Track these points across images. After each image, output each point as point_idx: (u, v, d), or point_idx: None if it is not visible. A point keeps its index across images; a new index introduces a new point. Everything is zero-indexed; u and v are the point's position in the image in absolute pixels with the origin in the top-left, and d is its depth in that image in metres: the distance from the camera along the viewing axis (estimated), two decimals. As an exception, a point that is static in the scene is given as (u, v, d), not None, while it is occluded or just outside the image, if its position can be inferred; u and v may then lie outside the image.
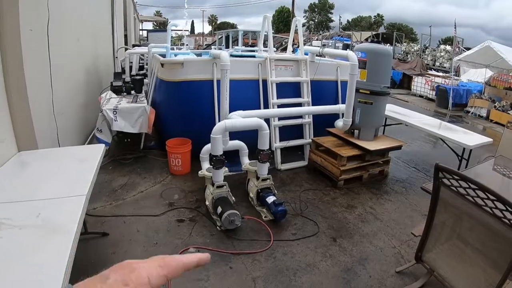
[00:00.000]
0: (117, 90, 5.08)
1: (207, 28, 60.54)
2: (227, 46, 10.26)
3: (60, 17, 4.22)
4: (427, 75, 13.35)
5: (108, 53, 8.18)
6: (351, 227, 3.17)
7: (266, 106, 4.40)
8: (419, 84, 12.68)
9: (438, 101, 10.87)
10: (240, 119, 3.26)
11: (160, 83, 4.48)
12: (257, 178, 3.34)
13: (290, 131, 4.59)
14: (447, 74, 12.83)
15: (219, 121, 3.57)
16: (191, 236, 2.92)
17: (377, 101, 4.19)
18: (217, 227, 2.99)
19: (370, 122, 4.30)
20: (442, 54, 17.14)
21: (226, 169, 3.42)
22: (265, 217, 3.18)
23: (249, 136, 3.46)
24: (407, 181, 4.40)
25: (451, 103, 9.75)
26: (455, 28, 9.87)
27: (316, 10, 61.22)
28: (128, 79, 5.39)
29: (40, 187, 2.09)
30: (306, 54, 4.88)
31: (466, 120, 9.36)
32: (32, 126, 2.98)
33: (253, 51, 6.29)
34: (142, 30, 26.61)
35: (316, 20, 61.12)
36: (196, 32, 58.47)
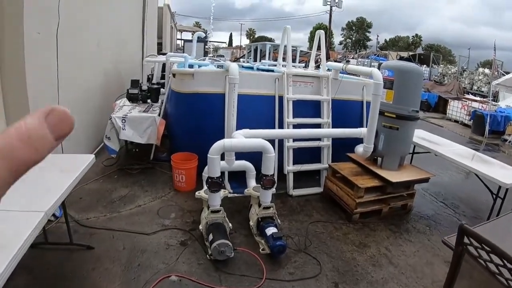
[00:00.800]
0: (132, 98, 4.98)
1: (245, 41, 61.60)
2: (255, 60, 10.07)
3: (79, 20, 4.18)
4: (464, 99, 12.52)
5: (135, 59, 8.23)
6: (359, 271, 2.75)
7: (282, 125, 4.08)
8: (455, 108, 11.89)
9: (474, 127, 10.09)
10: (242, 139, 2.95)
11: (171, 93, 4.31)
12: (259, 205, 3.02)
13: (307, 154, 4.22)
14: (484, 99, 11.98)
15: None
16: (177, 262, 2.66)
17: (404, 126, 3.76)
18: (207, 256, 2.70)
19: (395, 149, 3.86)
20: (480, 77, 16.20)
21: (227, 191, 3.15)
22: (262, 249, 2.83)
23: (259, 157, 3.16)
24: (432, 218, 3.90)
25: (488, 130, 8.98)
26: (494, 50, 9.15)
27: (353, 28, 60.68)
28: (145, 87, 5.29)
29: (9, 196, 1.92)
30: (329, 70, 4.55)
31: (503, 149, 8.58)
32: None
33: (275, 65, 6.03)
34: (180, 39, 27.38)
35: (353, 38, 60.53)
36: (234, 44, 59.69)
